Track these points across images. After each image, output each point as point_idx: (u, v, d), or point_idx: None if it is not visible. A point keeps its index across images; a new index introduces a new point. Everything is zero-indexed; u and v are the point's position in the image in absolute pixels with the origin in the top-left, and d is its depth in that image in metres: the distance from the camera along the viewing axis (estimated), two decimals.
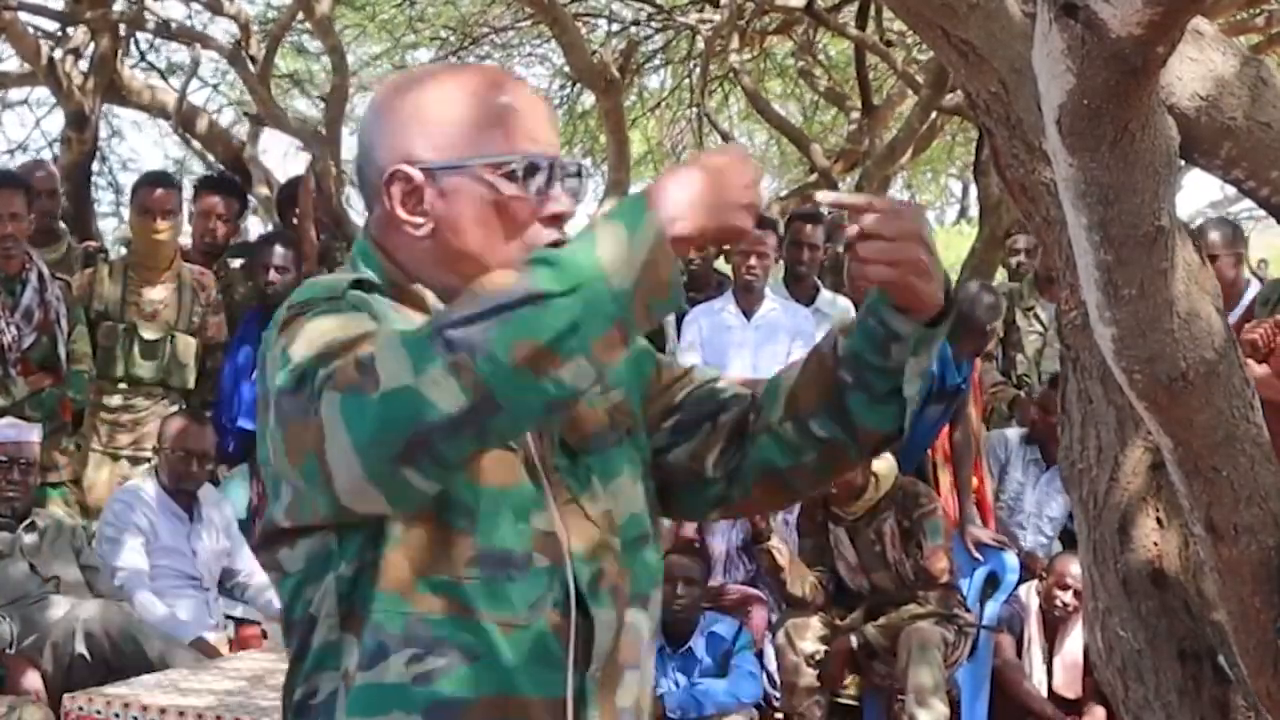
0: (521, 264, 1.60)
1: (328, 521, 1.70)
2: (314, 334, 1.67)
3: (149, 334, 6.33)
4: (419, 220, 1.82)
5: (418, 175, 1.81)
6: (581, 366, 1.55)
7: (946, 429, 6.84)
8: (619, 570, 1.84)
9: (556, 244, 1.79)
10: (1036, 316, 7.85)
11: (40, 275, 6.02)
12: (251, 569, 5.92)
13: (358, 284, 1.79)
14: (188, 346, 6.40)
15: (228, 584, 5.91)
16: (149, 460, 6.03)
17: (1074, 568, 5.78)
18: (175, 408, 6.22)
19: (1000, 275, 9.66)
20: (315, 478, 1.61)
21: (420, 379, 1.53)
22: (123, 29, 10.42)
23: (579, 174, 1.87)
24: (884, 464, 6.10)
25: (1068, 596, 6.17)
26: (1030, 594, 6.51)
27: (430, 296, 1.82)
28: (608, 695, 1.82)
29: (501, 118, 1.82)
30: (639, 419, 1.94)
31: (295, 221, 7.38)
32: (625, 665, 1.84)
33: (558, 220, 1.83)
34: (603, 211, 1.65)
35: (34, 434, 5.54)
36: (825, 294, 7.15)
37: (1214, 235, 6.22)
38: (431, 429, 1.54)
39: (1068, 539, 6.91)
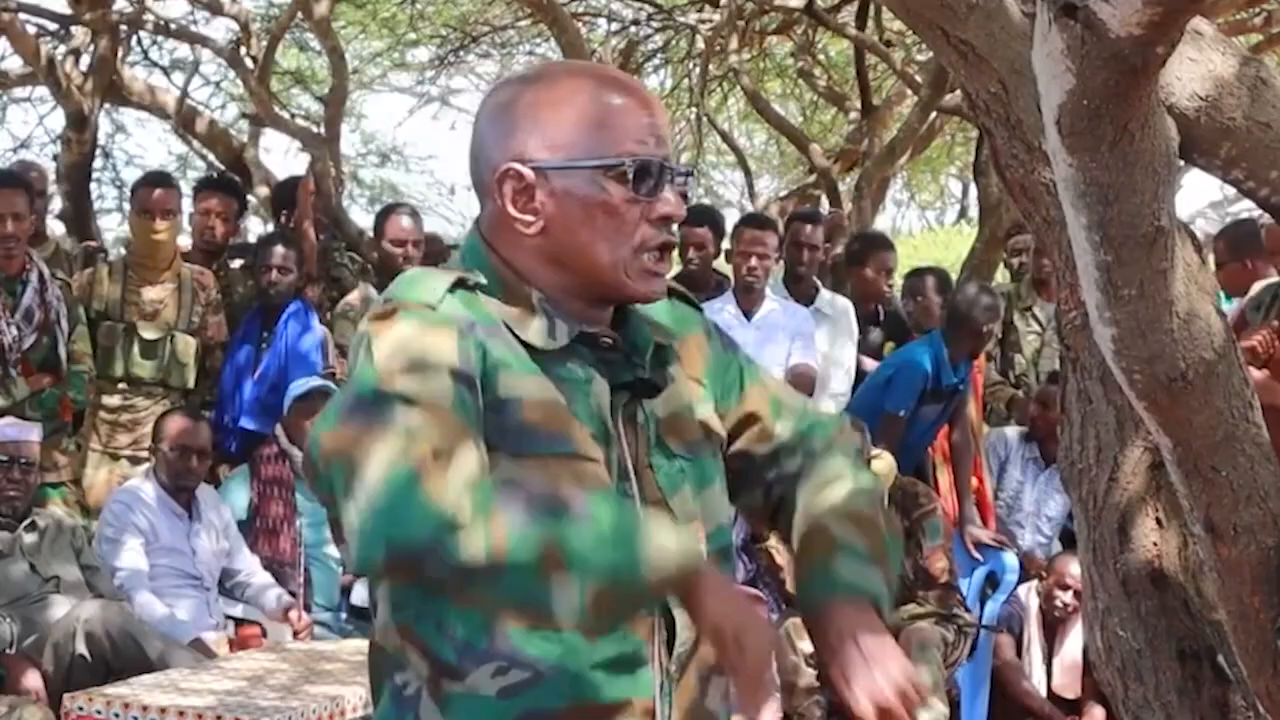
0: (602, 498, 1.70)
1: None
2: (396, 347, 1.73)
3: (148, 334, 6.33)
4: (529, 218, 1.85)
5: (529, 174, 1.84)
6: (570, 594, 1.62)
7: (945, 429, 6.84)
8: None
9: (665, 246, 1.86)
10: (1034, 317, 7.86)
11: (41, 275, 6.02)
12: (251, 569, 5.92)
13: (460, 284, 1.82)
14: (187, 346, 6.40)
15: (227, 584, 5.90)
16: (148, 460, 6.03)
17: (1074, 567, 5.78)
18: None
19: (1001, 275, 9.66)
20: (339, 485, 1.68)
21: (461, 515, 1.61)
22: (123, 29, 10.42)
23: (689, 175, 1.91)
24: (883, 464, 6.10)
25: (1068, 596, 6.17)
26: (1030, 594, 6.52)
27: (535, 296, 1.85)
28: (694, 696, 1.85)
29: (614, 119, 1.84)
30: (723, 436, 1.99)
31: (290, 222, 7.38)
32: (714, 669, 1.87)
33: (667, 221, 1.86)
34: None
35: (34, 433, 5.54)
36: (825, 294, 7.15)
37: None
38: (434, 553, 1.61)
39: (1067, 539, 6.91)
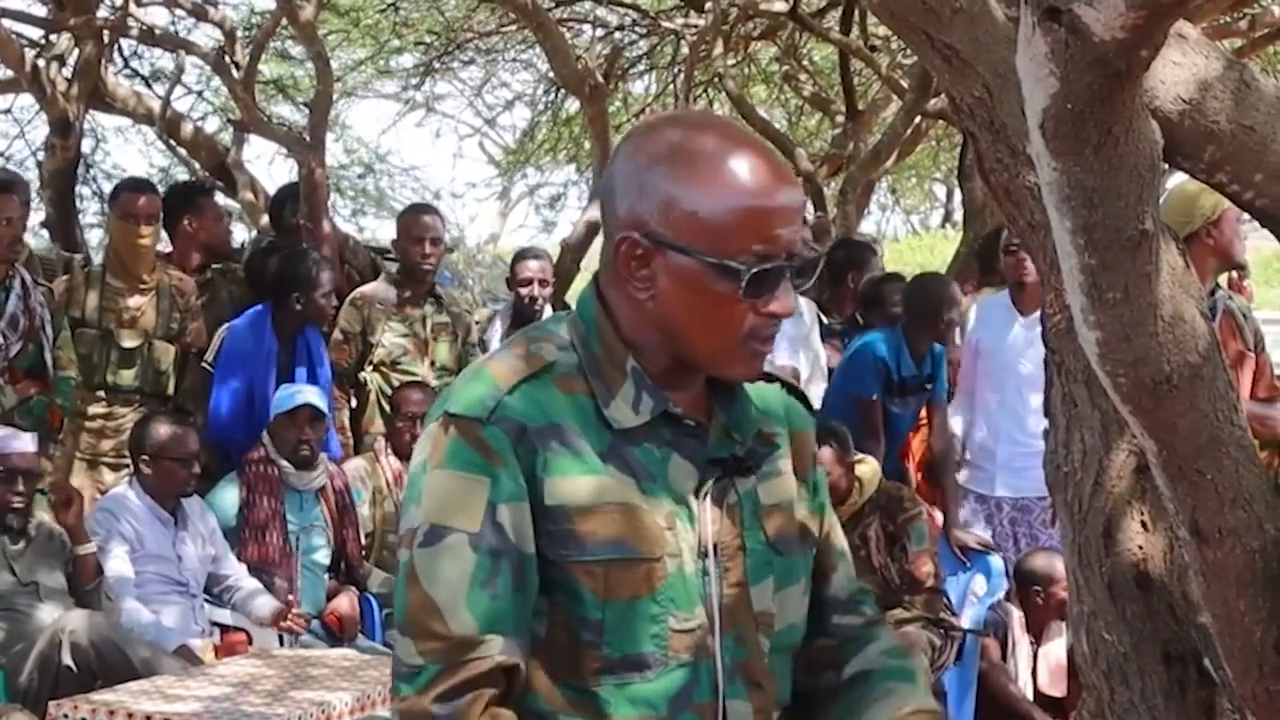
0: None
1: None
2: (438, 496, 1.79)
3: (127, 341, 6.31)
4: (642, 285, 1.83)
5: (646, 244, 1.82)
6: None
7: (930, 433, 6.86)
8: (764, 670, 1.89)
9: (771, 336, 1.85)
10: None
11: (23, 282, 6.00)
12: (239, 574, 5.90)
13: (531, 376, 1.82)
14: (166, 353, 6.39)
15: (215, 590, 5.88)
16: (129, 466, 5.99)
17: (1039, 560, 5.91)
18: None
19: None
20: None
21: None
22: (106, 35, 10.38)
23: (814, 265, 1.87)
24: (868, 468, 6.11)
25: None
26: (1012, 596, 6.51)
27: (630, 365, 1.85)
28: None
29: (739, 214, 1.80)
30: (817, 541, 2.00)
31: (299, 223, 7.38)
32: None
33: (776, 317, 1.84)
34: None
35: (31, 443, 5.49)
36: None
37: None
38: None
39: None
